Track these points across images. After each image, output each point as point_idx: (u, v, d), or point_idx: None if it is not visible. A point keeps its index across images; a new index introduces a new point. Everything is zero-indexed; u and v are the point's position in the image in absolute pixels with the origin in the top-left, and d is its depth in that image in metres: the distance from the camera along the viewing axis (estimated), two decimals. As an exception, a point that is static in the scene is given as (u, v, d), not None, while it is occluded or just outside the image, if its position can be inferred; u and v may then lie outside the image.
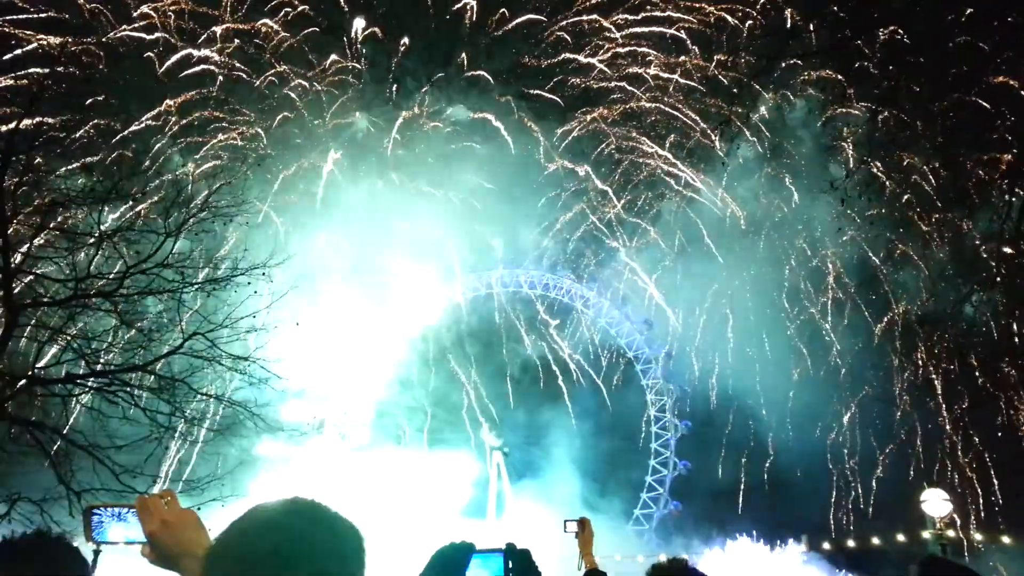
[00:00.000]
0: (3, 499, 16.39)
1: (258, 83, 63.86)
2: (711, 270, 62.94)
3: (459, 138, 65.92)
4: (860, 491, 61.58)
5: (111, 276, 17.74)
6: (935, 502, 29.96)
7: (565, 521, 6.67)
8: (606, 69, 65.57)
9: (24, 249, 17.36)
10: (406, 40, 66.85)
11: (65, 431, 18.44)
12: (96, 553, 3.21)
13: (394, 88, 67.16)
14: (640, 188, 66.03)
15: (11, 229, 17.23)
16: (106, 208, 17.77)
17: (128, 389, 18.18)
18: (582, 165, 66.43)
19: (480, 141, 65.66)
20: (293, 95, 64.79)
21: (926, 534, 31.96)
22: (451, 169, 64.13)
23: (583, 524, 6.53)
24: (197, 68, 62.39)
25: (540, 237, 65.79)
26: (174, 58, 60.51)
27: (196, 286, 19.13)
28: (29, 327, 18.62)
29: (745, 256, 62.31)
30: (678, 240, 63.99)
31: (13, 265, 16.97)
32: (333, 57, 65.92)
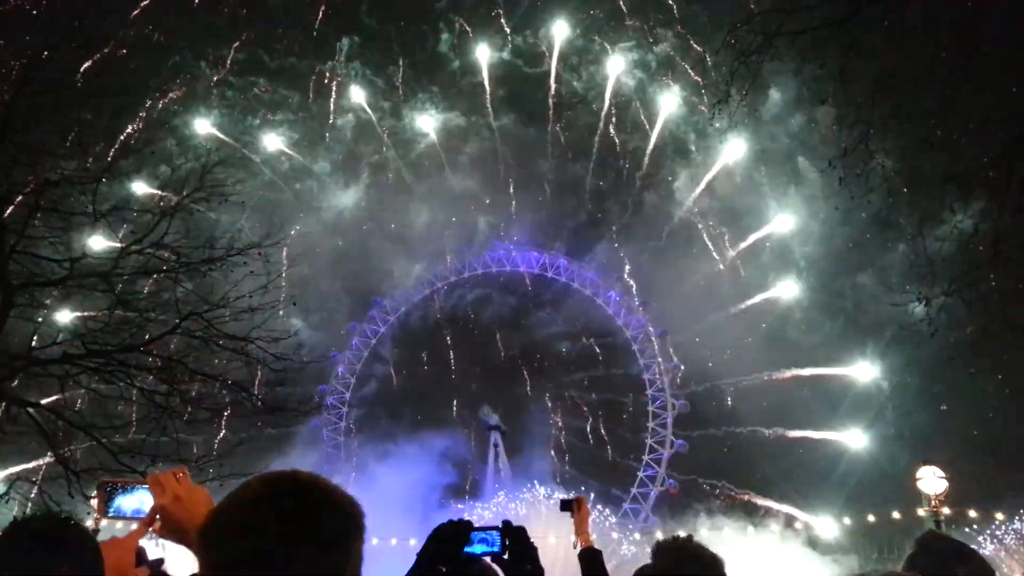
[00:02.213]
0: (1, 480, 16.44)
1: (247, 98, 65.47)
2: (705, 254, 63.70)
3: (452, 140, 67.23)
4: (855, 469, 61.99)
5: (106, 256, 17.65)
6: (930, 479, 30.06)
7: (561, 500, 6.72)
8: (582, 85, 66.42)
9: (19, 229, 17.22)
10: (396, 52, 68.22)
11: (63, 412, 18.43)
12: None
13: (384, 103, 68.15)
14: (633, 178, 66.92)
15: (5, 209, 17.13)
16: (99, 187, 17.61)
17: (125, 369, 18.15)
18: (574, 160, 67.66)
19: (474, 141, 66.95)
20: (283, 110, 66.24)
21: (921, 511, 32.09)
22: (444, 166, 65.49)
23: (579, 503, 6.55)
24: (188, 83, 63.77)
25: (536, 222, 66.62)
26: (168, 88, 61.82)
27: (192, 266, 19.03)
28: (26, 308, 18.52)
29: (735, 240, 62.93)
30: (668, 228, 65.01)
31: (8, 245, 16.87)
32: (319, 70, 67.38)
